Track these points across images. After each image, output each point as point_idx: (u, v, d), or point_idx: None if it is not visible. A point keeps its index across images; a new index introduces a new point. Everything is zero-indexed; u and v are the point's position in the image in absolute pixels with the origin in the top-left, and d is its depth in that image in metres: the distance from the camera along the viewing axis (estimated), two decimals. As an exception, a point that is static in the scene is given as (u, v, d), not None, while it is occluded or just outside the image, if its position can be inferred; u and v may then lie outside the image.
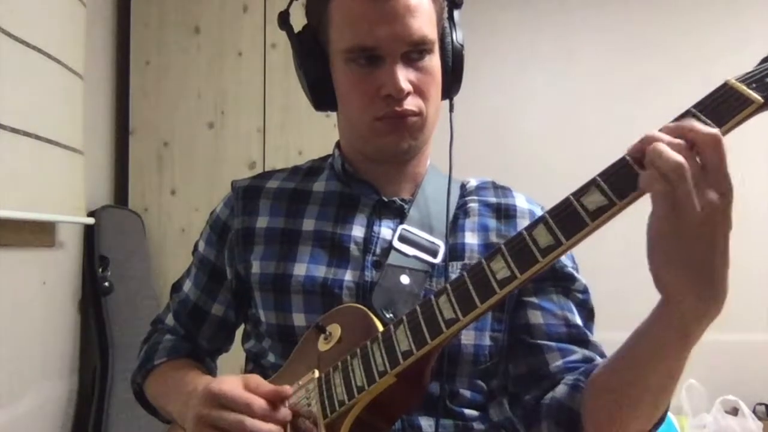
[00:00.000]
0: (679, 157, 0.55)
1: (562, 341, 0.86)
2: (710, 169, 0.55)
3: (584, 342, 0.86)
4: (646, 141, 0.57)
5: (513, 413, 0.89)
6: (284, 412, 0.74)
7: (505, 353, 0.89)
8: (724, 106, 0.57)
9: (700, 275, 0.57)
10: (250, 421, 0.71)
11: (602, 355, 0.86)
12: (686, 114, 0.58)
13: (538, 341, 0.86)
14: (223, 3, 2.45)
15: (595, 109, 2.91)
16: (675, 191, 0.55)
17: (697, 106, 0.58)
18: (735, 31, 2.82)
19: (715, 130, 0.55)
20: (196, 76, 2.44)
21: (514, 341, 0.88)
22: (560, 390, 0.81)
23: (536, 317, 0.87)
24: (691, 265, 0.57)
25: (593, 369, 0.79)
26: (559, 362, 0.84)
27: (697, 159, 0.56)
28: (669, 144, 0.56)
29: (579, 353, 0.85)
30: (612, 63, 2.93)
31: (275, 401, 0.74)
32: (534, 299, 0.88)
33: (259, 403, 0.72)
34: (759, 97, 0.56)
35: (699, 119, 0.57)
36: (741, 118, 0.56)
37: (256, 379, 0.77)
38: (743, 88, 0.57)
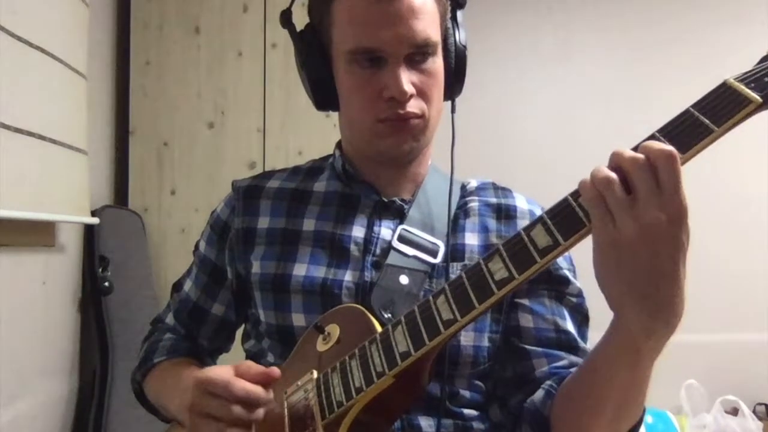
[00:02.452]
0: (608, 173, 0.56)
1: (551, 347, 0.86)
2: (662, 187, 0.54)
3: (573, 348, 0.86)
4: (613, 154, 0.58)
5: (502, 415, 0.89)
6: (266, 393, 0.73)
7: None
8: (723, 105, 0.57)
9: (643, 296, 0.57)
10: (230, 407, 0.71)
11: None
12: (685, 113, 0.58)
13: (526, 346, 0.86)
14: (223, 3, 2.45)
15: (596, 109, 2.91)
16: (607, 205, 0.56)
17: (695, 105, 0.58)
18: (736, 31, 2.81)
19: (669, 147, 0.55)
20: (196, 76, 2.44)
21: (504, 343, 0.88)
22: (537, 395, 0.82)
23: (527, 320, 0.87)
24: (634, 285, 0.57)
25: (567, 375, 0.79)
26: (545, 368, 0.84)
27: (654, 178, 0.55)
28: (631, 159, 0.56)
29: (566, 360, 0.85)
30: (612, 63, 2.93)
31: (265, 383, 0.74)
32: (526, 302, 0.88)
33: (240, 385, 0.72)
34: (757, 97, 0.56)
35: (698, 119, 0.57)
36: (739, 117, 0.56)
37: (246, 363, 0.77)
38: (742, 87, 0.57)
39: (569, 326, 0.87)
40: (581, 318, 0.90)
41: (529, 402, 0.82)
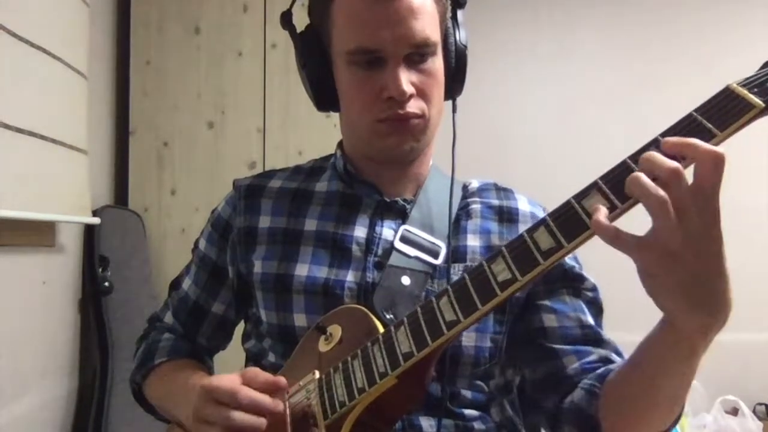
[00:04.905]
0: (656, 190, 0.54)
1: (578, 343, 0.86)
2: (702, 187, 0.53)
3: (598, 341, 0.87)
4: (644, 159, 0.56)
5: (533, 418, 0.89)
6: (273, 401, 0.73)
7: (521, 358, 0.89)
8: (726, 110, 0.57)
9: (696, 297, 0.57)
10: (235, 414, 0.71)
11: (617, 352, 0.86)
12: (688, 117, 0.58)
13: (554, 345, 0.86)
14: (223, 3, 2.45)
15: (596, 109, 2.91)
16: (654, 220, 0.55)
17: (698, 110, 0.58)
18: (736, 31, 2.82)
19: (719, 150, 0.53)
20: (196, 76, 2.43)
21: (530, 345, 0.88)
22: (578, 395, 0.82)
23: (551, 320, 0.87)
24: (687, 290, 0.57)
25: (608, 373, 0.79)
26: (576, 365, 0.84)
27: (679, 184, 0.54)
28: (660, 167, 0.54)
29: (595, 354, 0.85)
30: (613, 63, 2.93)
31: (272, 391, 0.74)
32: (547, 302, 0.88)
33: (245, 393, 0.72)
34: (760, 102, 0.56)
35: (701, 123, 0.57)
36: (742, 122, 0.56)
37: (253, 371, 0.77)
38: (744, 92, 0.57)
39: (591, 320, 0.88)
40: (596, 310, 0.90)
41: (569, 402, 0.82)
